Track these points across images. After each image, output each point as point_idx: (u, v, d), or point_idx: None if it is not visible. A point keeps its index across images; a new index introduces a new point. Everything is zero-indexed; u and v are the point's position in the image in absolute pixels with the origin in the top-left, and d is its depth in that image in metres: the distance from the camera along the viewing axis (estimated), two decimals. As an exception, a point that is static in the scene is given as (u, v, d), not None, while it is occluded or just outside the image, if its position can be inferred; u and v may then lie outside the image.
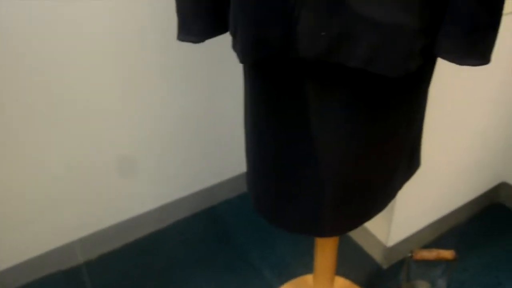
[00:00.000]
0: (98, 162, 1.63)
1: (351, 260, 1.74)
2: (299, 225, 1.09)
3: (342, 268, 1.70)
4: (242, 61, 0.84)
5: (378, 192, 1.07)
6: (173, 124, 1.72)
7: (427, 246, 1.78)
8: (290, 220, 1.09)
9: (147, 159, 1.73)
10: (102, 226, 1.76)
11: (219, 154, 1.89)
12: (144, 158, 1.72)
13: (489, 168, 1.84)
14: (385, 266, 1.71)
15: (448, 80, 1.37)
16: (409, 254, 1.28)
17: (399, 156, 1.04)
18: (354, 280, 1.65)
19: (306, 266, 1.69)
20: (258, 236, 1.84)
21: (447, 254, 1.27)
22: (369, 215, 1.11)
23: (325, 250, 1.30)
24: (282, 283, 1.65)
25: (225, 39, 0.97)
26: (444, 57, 0.79)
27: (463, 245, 1.80)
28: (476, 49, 0.78)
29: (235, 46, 0.86)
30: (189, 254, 1.78)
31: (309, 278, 1.62)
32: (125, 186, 1.73)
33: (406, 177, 1.15)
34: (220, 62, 1.69)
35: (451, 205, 1.79)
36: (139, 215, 1.82)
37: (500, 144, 1.79)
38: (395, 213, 1.56)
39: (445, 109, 1.44)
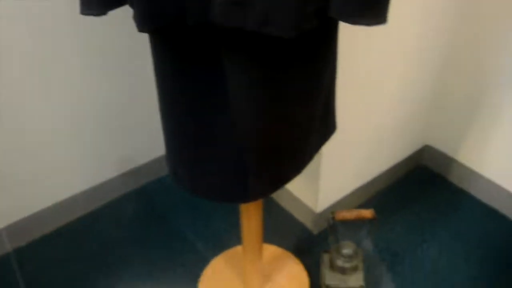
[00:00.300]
0: (21, 147, 1.58)
1: (282, 228, 1.78)
2: (220, 193, 1.10)
3: (273, 237, 1.73)
4: (139, 30, 0.83)
5: (295, 154, 1.09)
6: (98, 104, 1.69)
7: (356, 210, 1.84)
8: (211, 189, 1.10)
9: (73, 142, 1.70)
10: (29, 212, 1.72)
11: (146, 133, 1.87)
12: (70, 141, 1.69)
13: (413, 132, 1.91)
14: (315, 232, 1.75)
15: (363, 43, 1.40)
16: (331, 216, 1.32)
17: (311, 118, 1.06)
18: (286, 247, 1.69)
19: (239, 237, 1.72)
20: (190, 212, 1.84)
21: (367, 213, 1.31)
22: (287, 178, 1.13)
23: (251, 217, 1.31)
24: (216, 255, 1.67)
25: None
26: (337, 17, 0.81)
27: (390, 207, 1.87)
28: (368, 9, 0.80)
29: (134, 16, 0.85)
30: (121, 235, 1.77)
31: (241, 248, 1.65)
32: (52, 170, 1.70)
33: (322, 140, 1.18)
34: (139, 38, 1.66)
35: (376, 169, 1.85)
36: (68, 198, 1.78)
37: (422, 107, 1.86)
38: (322, 180, 1.60)
39: (362, 73, 1.47)
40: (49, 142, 1.64)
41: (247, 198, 1.12)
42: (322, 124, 1.14)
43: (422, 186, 1.98)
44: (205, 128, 1.00)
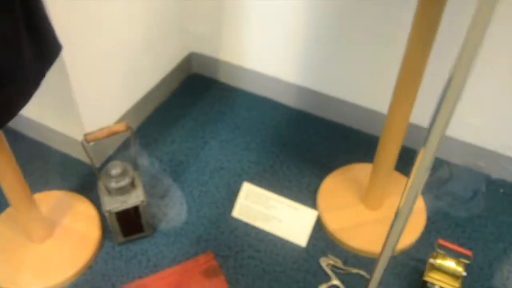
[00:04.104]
0: None
1: (62, 171, 1.70)
2: None
3: (56, 182, 1.66)
4: None
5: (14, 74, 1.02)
6: None
7: (136, 132, 1.83)
8: None
9: None
10: None
11: None
12: None
13: (173, 42, 1.91)
14: (97, 165, 1.72)
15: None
16: (84, 139, 1.27)
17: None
18: (70, 189, 1.63)
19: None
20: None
21: (119, 127, 1.29)
22: (15, 105, 1.06)
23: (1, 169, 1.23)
24: None
25: None
26: None
27: (169, 120, 1.89)
28: None
29: None
30: None
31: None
32: None
33: (43, 60, 1.11)
34: None
35: (145, 86, 1.83)
36: None
37: (176, 18, 1.85)
38: (81, 109, 1.54)
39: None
40: None
41: None
42: (35, 40, 1.06)
43: (196, 93, 2.02)
44: None
